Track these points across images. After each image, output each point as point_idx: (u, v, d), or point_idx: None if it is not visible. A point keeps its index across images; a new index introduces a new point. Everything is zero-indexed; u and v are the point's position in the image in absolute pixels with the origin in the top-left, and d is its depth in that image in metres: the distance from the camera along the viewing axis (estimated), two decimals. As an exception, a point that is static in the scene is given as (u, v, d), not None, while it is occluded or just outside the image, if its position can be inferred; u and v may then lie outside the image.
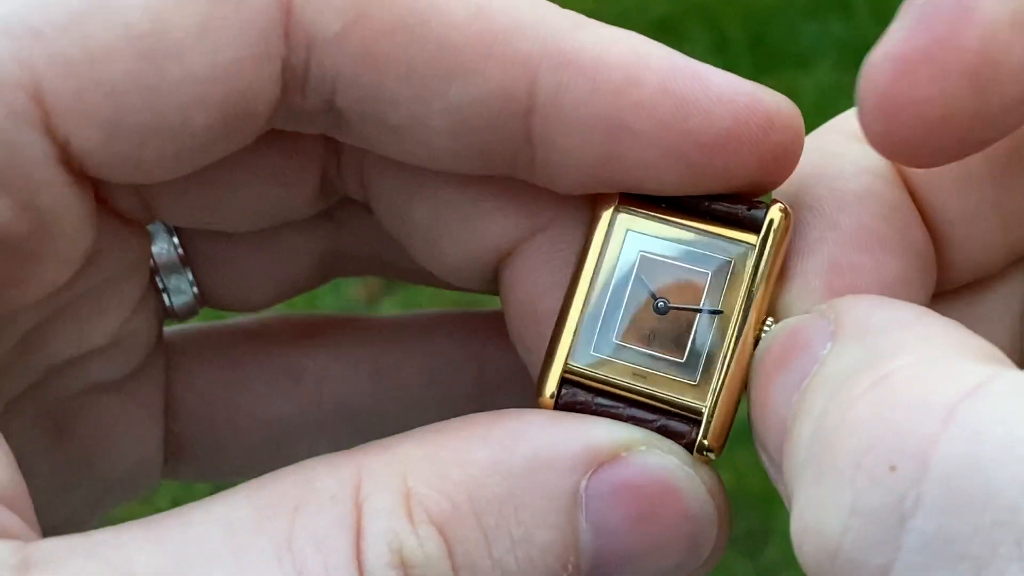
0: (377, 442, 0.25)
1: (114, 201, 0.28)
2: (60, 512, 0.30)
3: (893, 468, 0.20)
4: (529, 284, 0.28)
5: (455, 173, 0.27)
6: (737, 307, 0.26)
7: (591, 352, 0.27)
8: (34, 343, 0.29)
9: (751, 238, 0.27)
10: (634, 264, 0.27)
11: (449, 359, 0.32)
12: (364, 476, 0.24)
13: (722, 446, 0.26)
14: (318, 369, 0.32)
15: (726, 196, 0.27)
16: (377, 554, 0.23)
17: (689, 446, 0.26)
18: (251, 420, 0.32)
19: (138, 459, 0.31)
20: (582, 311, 0.27)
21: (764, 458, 0.25)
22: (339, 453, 0.24)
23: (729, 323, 0.26)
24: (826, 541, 0.20)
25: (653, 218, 0.27)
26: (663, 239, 0.27)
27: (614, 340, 0.27)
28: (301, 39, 0.25)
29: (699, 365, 0.26)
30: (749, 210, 0.27)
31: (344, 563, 0.22)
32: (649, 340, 0.27)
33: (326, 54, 0.25)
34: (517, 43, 0.25)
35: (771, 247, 0.26)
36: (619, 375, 0.27)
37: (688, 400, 0.26)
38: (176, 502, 0.26)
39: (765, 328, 0.26)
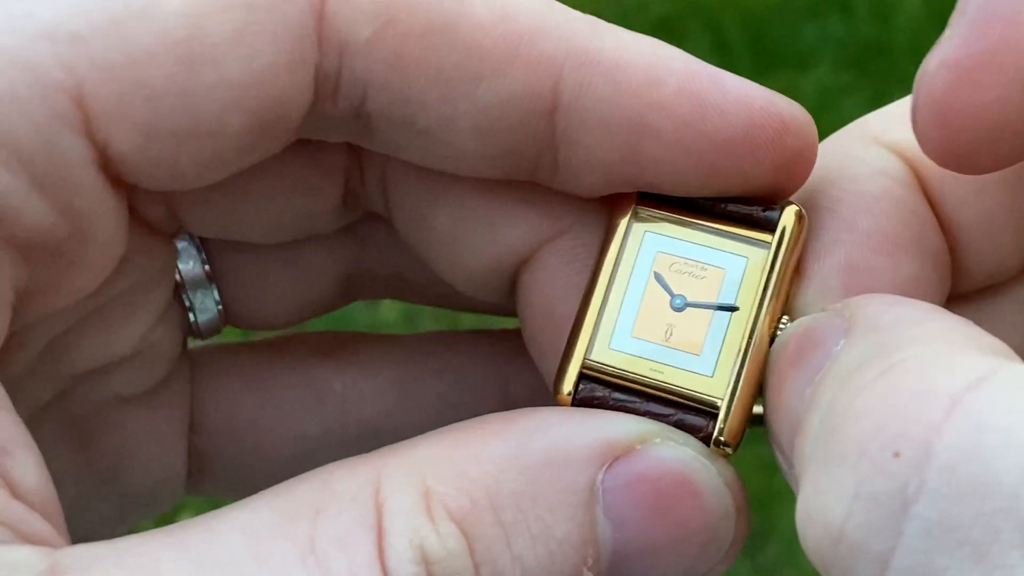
0: (394, 445, 0.25)
1: (142, 210, 0.28)
2: (83, 526, 0.30)
3: (897, 455, 0.20)
4: (547, 288, 0.28)
5: (477, 179, 0.28)
6: (753, 304, 0.27)
7: (609, 347, 0.27)
8: (60, 350, 0.29)
9: (767, 237, 0.27)
10: (651, 263, 0.27)
11: (475, 378, 0.33)
12: (383, 477, 0.24)
13: (738, 441, 0.26)
14: (343, 387, 0.32)
15: (742, 198, 0.27)
16: (399, 551, 0.23)
17: (706, 440, 0.26)
18: (275, 436, 0.32)
19: (162, 474, 0.32)
20: (600, 309, 0.27)
21: (779, 456, 0.25)
22: (356, 457, 0.25)
23: (745, 320, 0.27)
24: (829, 526, 0.21)
25: (670, 219, 0.28)
26: (680, 239, 0.28)
27: (632, 336, 0.27)
28: (334, 45, 0.25)
29: (715, 360, 0.27)
30: (764, 211, 0.27)
31: (368, 562, 0.23)
32: (666, 336, 0.27)
33: (358, 59, 0.25)
34: (541, 44, 0.26)
35: (787, 245, 0.27)
36: (636, 369, 0.27)
37: (705, 393, 0.26)
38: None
39: (781, 326, 0.26)
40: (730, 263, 0.27)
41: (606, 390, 0.27)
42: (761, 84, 0.27)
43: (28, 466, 0.23)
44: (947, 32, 0.24)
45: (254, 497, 0.24)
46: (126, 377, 0.31)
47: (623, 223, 0.28)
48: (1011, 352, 0.22)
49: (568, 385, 0.27)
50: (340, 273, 0.32)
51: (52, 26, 0.24)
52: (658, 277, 0.27)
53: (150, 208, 0.29)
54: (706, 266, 0.27)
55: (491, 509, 0.24)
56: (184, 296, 0.31)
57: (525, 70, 0.26)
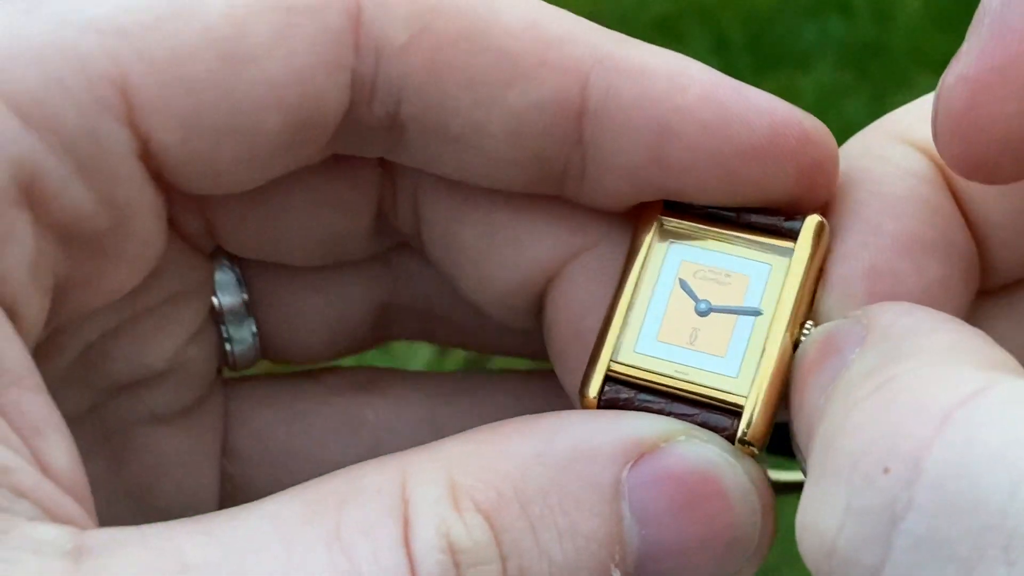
0: (421, 446, 0.25)
1: (180, 222, 0.29)
2: None
3: (887, 470, 0.20)
4: (574, 303, 0.29)
5: (507, 192, 0.28)
6: (777, 308, 0.27)
7: (634, 351, 0.27)
8: (95, 359, 0.29)
9: (790, 244, 0.27)
10: (676, 271, 0.28)
11: (504, 416, 0.33)
12: (409, 472, 0.24)
13: (764, 441, 0.26)
14: (377, 420, 0.33)
15: (765, 209, 0.28)
16: (426, 539, 0.23)
17: (730, 439, 0.26)
18: (307, 464, 0.32)
19: (192, 497, 0.32)
20: (626, 315, 0.28)
21: (801, 462, 0.25)
22: (384, 456, 0.25)
23: (769, 323, 0.27)
24: (823, 539, 0.21)
25: (694, 229, 0.28)
26: (704, 248, 0.28)
27: (657, 340, 0.27)
28: (370, 49, 0.26)
29: (740, 362, 0.27)
30: (786, 222, 0.27)
31: (394, 547, 0.23)
32: (691, 339, 0.27)
33: (393, 64, 0.26)
34: (570, 50, 0.26)
35: (810, 250, 0.27)
36: (661, 370, 0.27)
37: (729, 392, 0.27)
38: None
39: (805, 331, 0.27)
40: (754, 270, 0.27)
41: (632, 392, 0.27)
42: (761, 84, 0.27)
43: (60, 447, 0.24)
44: (965, 46, 0.24)
45: (282, 492, 0.24)
46: (160, 395, 0.31)
47: (648, 234, 0.28)
48: (1018, 366, 0.22)
49: (594, 388, 0.27)
50: (373, 305, 0.32)
51: (100, 20, 0.25)
52: (683, 284, 0.28)
53: (188, 220, 0.29)
54: (730, 273, 0.28)
55: (518, 503, 0.24)
56: (223, 328, 0.31)
57: (554, 74, 0.26)
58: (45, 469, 0.23)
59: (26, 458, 0.23)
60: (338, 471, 0.25)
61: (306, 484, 0.24)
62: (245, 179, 0.27)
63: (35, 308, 0.25)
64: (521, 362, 0.35)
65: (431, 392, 0.33)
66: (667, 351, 0.27)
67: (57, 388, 0.26)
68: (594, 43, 0.27)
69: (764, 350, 0.27)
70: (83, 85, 0.24)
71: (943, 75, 0.24)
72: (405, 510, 0.23)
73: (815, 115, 0.27)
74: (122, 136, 0.25)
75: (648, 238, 0.28)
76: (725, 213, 0.28)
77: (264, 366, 0.33)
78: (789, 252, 0.27)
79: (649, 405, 0.27)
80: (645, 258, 0.28)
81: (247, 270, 0.32)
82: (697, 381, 0.27)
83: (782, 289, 0.27)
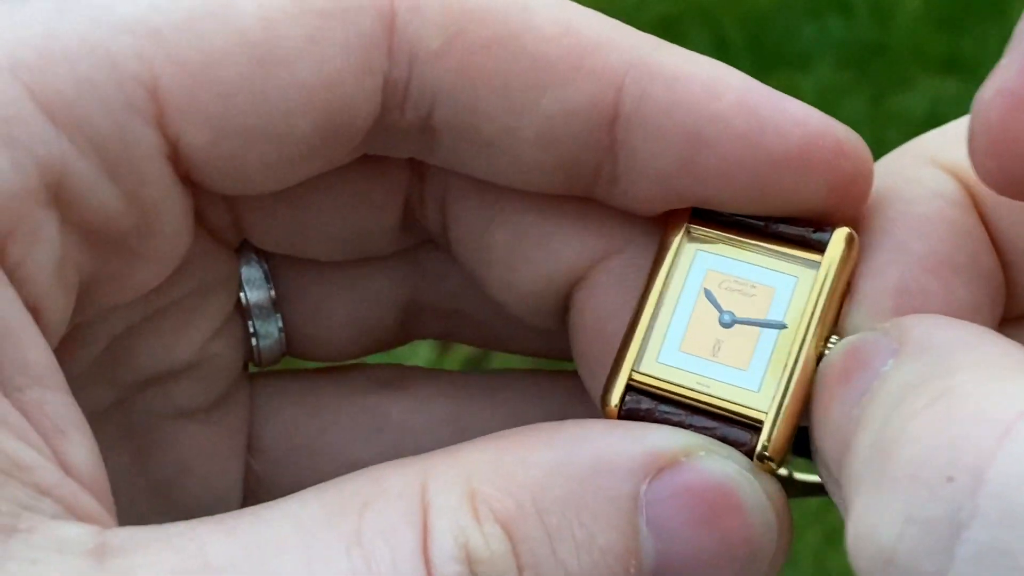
0: (442, 449, 0.25)
1: (207, 215, 0.29)
2: None
3: (950, 479, 0.20)
4: (600, 305, 0.29)
5: (536, 194, 0.28)
6: (801, 323, 0.27)
7: (657, 361, 0.27)
8: (120, 354, 0.29)
9: (818, 257, 0.27)
10: (702, 280, 0.28)
11: (529, 416, 0.33)
12: (429, 477, 0.24)
13: (783, 457, 0.26)
14: (400, 418, 0.33)
15: (794, 219, 0.27)
16: (443, 548, 0.23)
17: (749, 454, 0.26)
18: (332, 463, 0.32)
19: (217, 494, 0.32)
20: (649, 323, 0.28)
21: (823, 472, 0.25)
22: (404, 458, 0.25)
23: (793, 338, 0.27)
24: (881, 548, 0.21)
25: (722, 238, 0.28)
26: (731, 257, 0.28)
27: (680, 350, 0.27)
28: (404, 54, 0.26)
29: (762, 376, 0.27)
30: (815, 233, 0.27)
31: (411, 555, 0.23)
32: (714, 351, 0.27)
33: (427, 69, 0.26)
34: (604, 56, 0.26)
35: (837, 265, 0.27)
36: (683, 382, 0.27)
37: (750, 408, 0.27)
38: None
39: (830, 345, 0.27)
40: (780, 282, 0.27)
41: (652, 402, 0.27)
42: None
43: (81, 446, 0.24)
44: (1003, 60, 0.24)
45: (303, 491, 0.24)
46: (185, 389, 0.31)
47: (675, 241, 0.28)
48: None
49: (615, 397, 0.27)
50: (399, 303, 0.32)
51: (132, 21, 0.25)
52: (708, 294, 0.28)
53: (215, 215, 0.29)
54: (756, 285, 0.27)
55: (536, 513, 0.24)
56: (249, 323, 0.31)
57: (588, 81, 0.26)
58: (67, 468, 0.23)
59: (48, 457, 0.23)
60: (360, 471, 0.25)
61: (328, 484, 0.24)
62: (274, 181, 0.27)
63: (59, 307, 0.25)
64: (524, 361, 0.34)
65: (455, 391, 0.33)
66: (689, 362, 0.27)
67: (82, 382, 0.26)
68: (629, 48, 0.26)
69: (787, 365, 0.26)
70: (113, 86, 0.24)
71: (980, 89, 0.24)
72: (424, 516, 0.23)
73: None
74: (151, 138, 0.25)
75: (675, 245, 0.28)
76: (754, 222, 0.28)
77: (289, 362, 0.33)
78: (816, 265, 0.27)
79: (669, 417, 0.27)
80: (671, 266, 0.28)
81: (274, 266, 0.32)
82: (718, 394, 0.27)
83: (808, 303, 0.27)
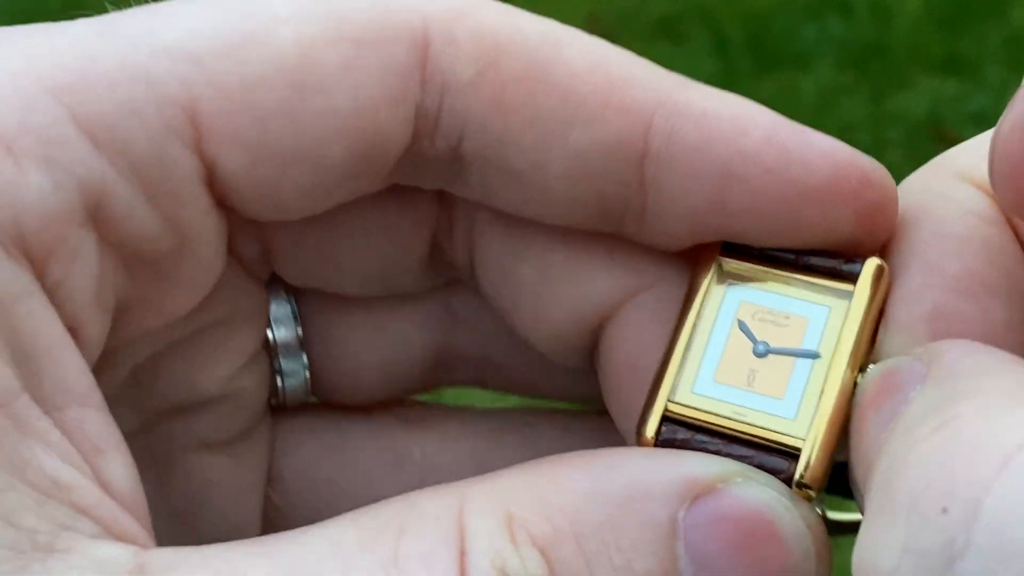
0: (478, 477, 0.25)
1: (237, 245, 0.29)
2: None
3: (945, 510, 0.20)
4: (630, 344, 0.29)
5: (563, 232, 0.28)
6: (836, 351, 0.27)
7: (692, 391, 0.27)
8: (145, 380, 0.29)
9: (849, 287, 0.27)
10: (735, 311, 0.28)
11: (552, 454, 0.33)
12: (466, 502, 0.24)
13: (821, 484, 0.26)
14: (422, 455, 0.32)
15: (824, 252, 0.28)
16: (480, 571, 0.23)
17: (787, 481, 0.26)
18: (351, 497, 0.32)
19: (236, 526, 0.32)
20: (683, 355, 0.28)
21: (858, 498, 0.25)
22: (441, 485, 0.25)
23: (828, 366, 0.27)
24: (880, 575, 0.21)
25: (753, 270, 0.28)
26: (763, 289, 0.28)
27: (714, 380, 0.27)
28: (436, 84, 0.26)
29: (798, 404, 0.27)
30: (846, 264, 0.27)
31: None
32: (749, 381, 0.27)
33: (458, 99, 0.26)
34: (633, 92, 0.26)
35: (869, 294, 0.27)
36: (719, 411, 0.27)
37: (787, 435, 0.26)
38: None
39: (865, 373, 0.27)
40: (813, 312, 0.27)
41: (689, 432, 0.27)
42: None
43: (120, 466, 0.24)
44: (1021, 91, 0.24)
45: (340, 516, 0.24)
46: (209, 422, 0.31)
47: (707, 275, 0.28)
48: None
49: (651, 427, 0.27)
50: (428, 347, 0.32)
51: (171, 45, 0.25)
52: (742, 324, 0.28)
53: (245, 244, 0.29)
54: (789, 315, 0.28)
55: (574, 538, 0.24)
56: (275, 361, 0.31)
57: (618, 116, 0.26)
58: (105, 487, 0.23)
59: (87, 476, 0.23)
60: (395, 498, 0.25)
61: (364, 509, 0.24)
62: (307, 207, 0.27)
63: (97, 328, 0.25)
64: (532, 403, 0.34)
65: (479, 428, 0.33)
66: (724, 392, 0.27)
67: (108, 407, 0.26)
68: (656, 86, 0.26)
69: (822, 392, 0.26)
70: (153, 110, 0.24)
71: (1000, 119, 0.24)
72: (461, 540, 0.23)
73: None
74: (189, 161, 0.25)
75: (707, 279, 0.28)
76: (784, 255, 0.28)
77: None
78: (848, 295, 0.27)
79: (706, 446, 0.27)
80: (703, 298, 0.28)
81: (303, 304, 0.32)
82: (754, 423, 0.27)
83: (841, 332, 0.27)
